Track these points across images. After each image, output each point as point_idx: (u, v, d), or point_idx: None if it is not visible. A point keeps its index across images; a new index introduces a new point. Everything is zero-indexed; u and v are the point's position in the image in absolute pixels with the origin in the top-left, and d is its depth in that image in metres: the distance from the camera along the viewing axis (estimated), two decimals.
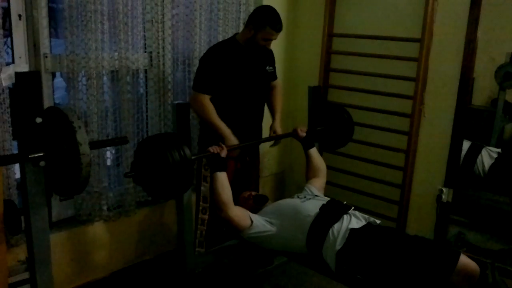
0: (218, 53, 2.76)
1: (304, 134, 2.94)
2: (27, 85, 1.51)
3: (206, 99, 2.71)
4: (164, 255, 3.26)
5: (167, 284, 3.01)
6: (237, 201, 2.70)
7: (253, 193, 2.85)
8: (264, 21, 2.71)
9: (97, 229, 2.90)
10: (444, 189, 3.20)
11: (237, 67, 2.79)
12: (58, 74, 2.98)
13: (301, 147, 3.01)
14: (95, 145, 1.90)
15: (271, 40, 2.79)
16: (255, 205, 2.72)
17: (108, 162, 2.97)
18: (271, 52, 3.00)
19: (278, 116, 3.08)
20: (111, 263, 3.00)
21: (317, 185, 2.83)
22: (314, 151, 2.96)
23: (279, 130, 3.04)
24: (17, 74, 1.54)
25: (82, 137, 1.46)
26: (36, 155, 1.52)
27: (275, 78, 3.09)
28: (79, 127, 1.48)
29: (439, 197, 3.23)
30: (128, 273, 3.07)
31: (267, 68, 2.97)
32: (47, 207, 1.72)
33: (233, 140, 2.72)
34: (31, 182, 1.60)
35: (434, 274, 2.16)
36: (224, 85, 2.76)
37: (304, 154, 2.98)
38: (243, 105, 2.87)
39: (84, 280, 2.88)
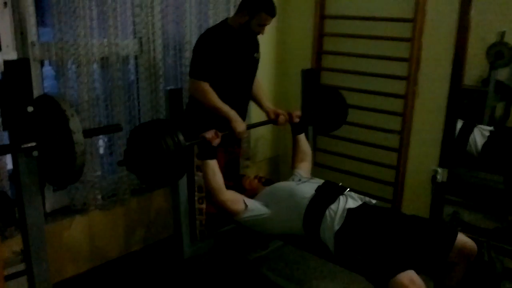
0: (214, 39, 2.72)
1: (298, 120, 2.92)
2: (16, 73, 1.47)
3: (207, 86, 2.67)
4: (161, 242, 3.25)
5: (165, 271, 3.01)
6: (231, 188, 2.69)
7: (259, 175, 2.86)
8: (259, 6, 2.66)
9: (92, 218, 2.87)
10: (438, 169, 3.19)
11: (231, 53, 2.76)
12: (46, 62, 2.92)
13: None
14: (89, 133, 1.86)
15: (265, 25, 2.75)
16: (259, 185, 2.73)
17: (101, 151, 2.94)
18: (257, 38, 2.96)
19: (266, 98, 3.06)
20: (107, 251, 2.99)
21: (306, 170, 2.83)
22: (302, 137, 2.95)
23: (275, 109, 3.00)
24: (5, 62, 1.50)
25: (75, 125, 1.43)
26: (28, 145, 1.49)
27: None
28: (72, 115, 1.44)
29: (433, 177, 3.22)
30: (125, 261, 3.06)
31: (255, 55, 2.93)
32: (41, 198, 1.69)
33: (240, 121, 2.69)
34: (24, 172, 1.57)
35: (432, 252, 2.18)
36: (219, 71, 2.73)
37: (292, 138, 2.96)
38: (233, 91, 2.84)
39: (80, 269, 2.87)
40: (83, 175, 2.72)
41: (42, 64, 2.65)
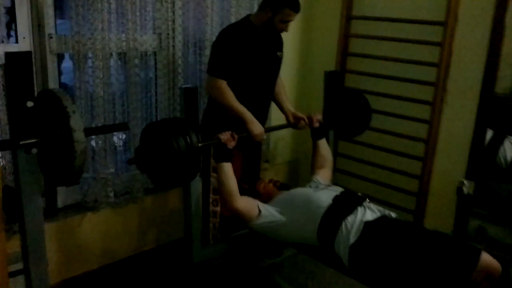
0: (235, 36, 2.63)
1: (318, 125, 2.80)
2: (18, 66, 1.41)
3: (224, 84, 2.58)
4: (173, 243, 3.18)
5: (174, 274, 2.93)
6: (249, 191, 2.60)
7: (274, 179, 2.77)
8: (283, 2, 2.56)
9: (104, 216, 2.82)
10: (465, 181, 3.04)
11: (253, 51, 2.67)
12: (67, 56, 2.89)
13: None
14: (92, 131, 1.80)
15: (289, 21, 2.65)
16: (274, 189, 2.65)
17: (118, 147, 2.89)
18: (281, 36, 2.86)
19: (288, 101, 2.95)
20: (118, 250, 2.94)
21: (325, 177, 2.71)
22: (323, 142, 2.83)
23: (295, 112, 2.90)
24: (7, 55, 1.44)
25: (76, 122, 1.36)
26: (27, 141, 1.43)
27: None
28: (73, 112, 1.38)
29: (459, 189, 3.07)
30: (135, 261, 3.01)
31: (278, 53, 2.83)
32: (41, 197, 1.63)
33: (257, 123, 2.60)
34: (23, 170, 1.51)
35: (454, 273, 2.04)
36: (239, 69, 2.64)
37: (312, 143, 2.85)
38: (254, 91, 2.75)
39: (90, 267, 2.83)
40: (95, 171, 2.71)
41: (61, 57, 2.61)
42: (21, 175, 1.52)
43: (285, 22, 2.63)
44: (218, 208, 2.75)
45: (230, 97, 2.58)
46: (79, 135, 1.36)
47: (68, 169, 1.41)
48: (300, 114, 2.83)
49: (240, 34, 2.64)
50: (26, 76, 1.44)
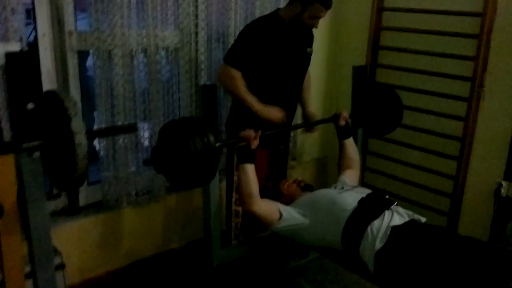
0: (261, 29, 2.55)
1: (344, 122, 2.67)
2: (19, 67, 1.36)
3: (237, 73, 2.51)
4: (195, 243, 3.12)
5: (196, 274, 2.88)
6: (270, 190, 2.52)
7: (298, 178, 2.67)
8: None
9: (125, 215, 2.79)
10: (503, 183, 2.87)
11: (280, 46, 2.58)
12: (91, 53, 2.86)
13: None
14: (97, 133, 1.74)
15: (319, 18, 2.55)
16: (298, 189, 2.55)
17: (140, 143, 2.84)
18: (311, 32, 2.76)
19: (310, 102, 2.89)
20: (139, 250, 2.90)
21: (352, 178, 2.59)
22: (350, 141, 2.70)
23: (314, 115, 2.84)
24: (8, 55, 1.39)
25: (78, 125, 1.30)
26: (30, 144, 1.38)
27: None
28: (75, 114, 1.31)
29: (497, 191, 2.90)
30: (157, 260, 2.97)
31: (308, 49, 2.73)
32: (46, 200, 1.58)
33: (269, 109, 2.52)
34: (27, 173, 1.47)
35: (489, 282, 1.89)
36: (263, 65, 2.56)
37: (338, 143, 2.72)
38: (281, 88, 2.66)
39: (111, 267, 2.80)
40: (116, 169, 2.67)
41: (87, 54, 2.57)
42: (25, 179, 1.48)
43: (315, 18, 2.54)
44: (240, 208, 2.68)
45: (240, 85, 2.51)
46: (80, 138, 1.30)
47: (70, 173, 1.35)
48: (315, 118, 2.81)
49: (267, 28, 2.55)
50: (28, 77, 1.39)
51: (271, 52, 2.55)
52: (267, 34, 2.54)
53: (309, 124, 2.85)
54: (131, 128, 1.84)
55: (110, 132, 2.18)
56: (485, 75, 2.86)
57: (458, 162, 3.06)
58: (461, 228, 3.10)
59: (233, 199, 2.72)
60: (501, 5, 2.73)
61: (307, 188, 2.56)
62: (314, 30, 2.73)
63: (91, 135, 1.41)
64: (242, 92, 2.51)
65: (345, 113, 2.68)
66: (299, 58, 2.70)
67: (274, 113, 2.53)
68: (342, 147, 2.69)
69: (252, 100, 2.51)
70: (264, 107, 2.53)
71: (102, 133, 2.06)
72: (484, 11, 2.77)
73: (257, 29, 2.55)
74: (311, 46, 2.76)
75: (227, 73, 2.52)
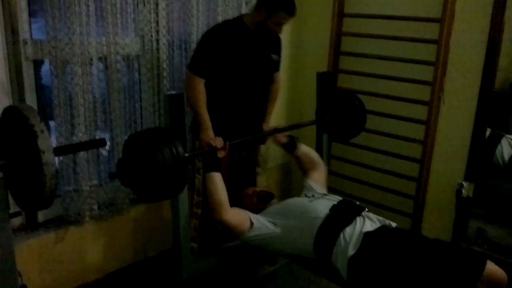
0: (224, 34, 2.53)
1: (285, 140, 2.69)
2: None
3: (200, 84, 2.49)
4: (162, 254, 3.04)
5: (165, 285, 2.80)
6: (238, 199, 2.47)
7: (258, 189, 2.62)
8: (278, 5, 2.47)
9: (88, 229, 2.67)
10: (464, 183, 2.94)
11: (243, 52, 2.57)
12: (47, 61, 2.73)
13: (310, 135, 2.76)
14: (65, 150, 1.64)
15: (282, 24, 2.56)
16: (260, 203, 2.50)
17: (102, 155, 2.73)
18: (278, 39, 2.76)
19: (268, 117, 2.89)
20: (105, 264, 2.79)
21: (319, 180, 2.59)
22: (303, 148, 2.71)
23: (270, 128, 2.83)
24: None
25: (45, 143, 1.22)
26: None
27: (278, 69, 2.84)
28: (42, 131, 1.23)
29: (458, 191, 2.97)
30: (124, 274, 2.86)
31: (273, 56, 2.72)
32: (10, 222, 1.48)
33: (208, 135, 2.48)
34: None
35: (458, 283, 1.93)
36: (226, 70, 2.54)
37: (292, 156, 2.73)
38: (244, 94, 2.64)
39: (75, 283, 2.67)
40: (78, 183, 2.56)
41: (40, 63, 2.45)
42: None
43: (279, 25, 2.56)
44: (199, 210, 2.64)
45: (200, 99, 2.49)
46: (48, 156, 1.21)
47: (38, 194, 1.27)
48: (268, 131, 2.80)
49: (229, 33, 2.54)
50: None
51: (233, 56, 2.54)
52: (229, 38, 2.53)
53: (260, 136, 2.84)
54: (100, 143, 1.75)
55: (79, 148, 2.07)
56: (445, 80, 2.93)
57: (420, 164, 3.12)
58: (424, 228, 3.16)
59: (194, 201, 2.66)
60: (459, 11, 2.81)
61: (267, 197, 2.53)
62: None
63: (58, 152, 1.32)
64: (199, 106, 2.49)
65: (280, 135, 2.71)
66: (262, 64, 2.69)
67: (216, 141, 2.42)
68: (298, 158, 2.70)
69: (205, 119, 2.49)
70: (210, 132, 2.49)
71: (70, 150, 1.95)
72: (442, 16, 2.83)
73: (219, 33, 2.53)
74: (277, 53, 2.76)
75: (191, 83, 2.49)
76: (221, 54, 2.50)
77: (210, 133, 2.49)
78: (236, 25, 2.58)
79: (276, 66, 2.80)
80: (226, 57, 2.51)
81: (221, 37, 2.51)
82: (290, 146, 2.71)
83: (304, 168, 2.69)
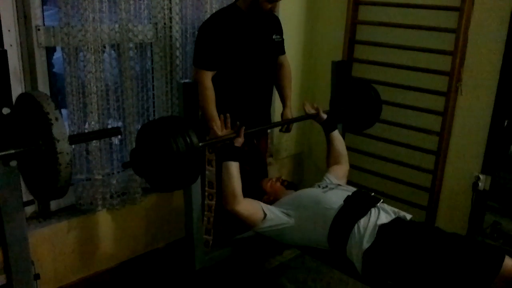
0: (219, 22, 2.49)
1: (325, 116, 2.64)
2: None
3: (207, 79, 2.46)
4: (175, 243, 3.03)
5: (177, 275, 2.79)
6: (250, 189, 2.44)
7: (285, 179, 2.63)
8: None
9: (100, 218, 2.66)
10: (481, 176, 2.89)
11: (241, 38, 2.53)
12: (58, 48, 2.71)
13: (321, 126, 2.72)
14: (79, 138, 1.62)
15: (276, 1, 2.49)
16: (283, 188, 2.51)
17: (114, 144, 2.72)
18: (277, 19, 2.72)
19: (289, 102, 2.83)
20: (116, 253, 2.78)
21: (339, 173, 2.57)
22: (336, 134, 2.68)
23: (292, 116, 2.79)
24: None
25: (59, 131, 1.19)
26: (4, 153, 1.26)
27: (283, 51, 2.79)
28: (56, 119, 1.20)
29: (475, 184, 2.92)
30: (136, 263, 2.86)
31: (274, 37, 2.67)
32: (24, 212, 1.46)
33: (215, 133, 2.40)
34: (3, 184, 1.34)
35: (475, 278, 1.89)
36: (227, 59, 2.50)
37: (325, 137, 2.69)
38: (249, 82, 2.61)
39: (87, 272, 2.68)
40: (90, 172, 2.54)
41: (53, 50, 2.43)
42: (1, 190, 1.35)
43: (272, 2, 2.48)
44: (213, 202, 2.61)
45: (207, 96, 2.45)
46: (63, 145, 1.19)
47: (52, 183, 1.24)
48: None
49: (226, 20, 2.50)
50: (2, 79, 1.27)
51: (235, 41, 2.50)
52: (227, 25, 2.49)
53: (287, 122, 2.78)
54: (116, 132, 1.72)
55: (93, 136, 2.04)
56: (463, 70, 2.86)
57: (436, 156, 3.06)
58: (439, 221, 3.11)
59: (206, 194, 2.63)
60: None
61: (291, 186, 2.52)
62: (290, 25, 2.67)
63: (73, 140, 1.29)
64: (207, 103, 2.46)
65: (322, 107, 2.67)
66: (264, 46, 2.64)
67: (217, 130, 2.37)
68: (329, 142, 2.67)
69: (214, 115, 2.45)
70: (217, 129, 2.37)
71: (85, 138, 1.93)
72: (461, 5, 2.76)
73: (216, 22, 2.50)
74: (278, 34, 2.71)
75: (198, 80, 2.45)
76: (223, 42, 2.46)
77: (218, 131, 2.42)
78: (231, 11, 2.54)
79: (280, 47, 2.75)
80: (228, 44, 2.48)
81: (219, 25, 2.48)
82: (329, 124, 2.69)
83: (329, 159, 2.68)
